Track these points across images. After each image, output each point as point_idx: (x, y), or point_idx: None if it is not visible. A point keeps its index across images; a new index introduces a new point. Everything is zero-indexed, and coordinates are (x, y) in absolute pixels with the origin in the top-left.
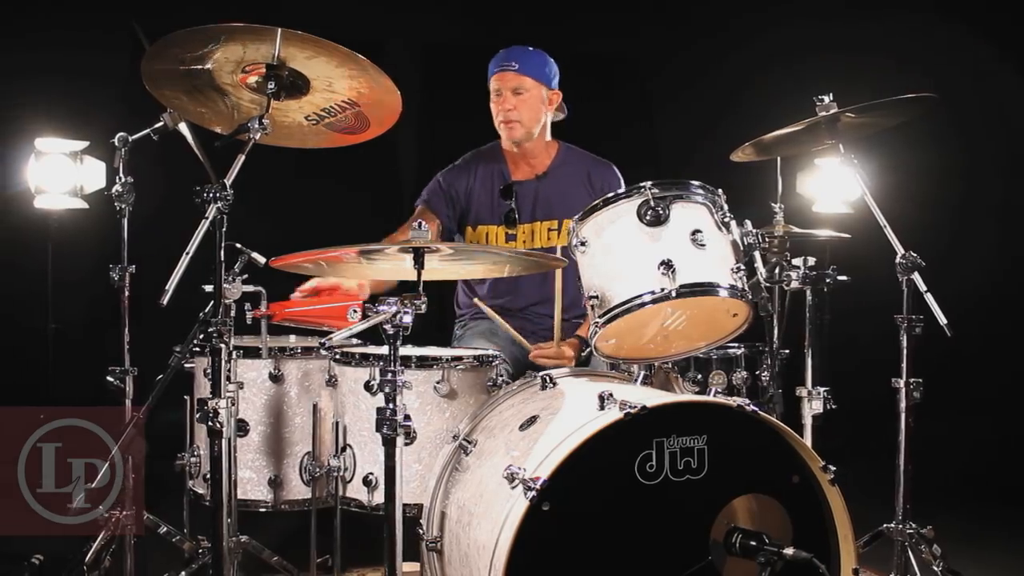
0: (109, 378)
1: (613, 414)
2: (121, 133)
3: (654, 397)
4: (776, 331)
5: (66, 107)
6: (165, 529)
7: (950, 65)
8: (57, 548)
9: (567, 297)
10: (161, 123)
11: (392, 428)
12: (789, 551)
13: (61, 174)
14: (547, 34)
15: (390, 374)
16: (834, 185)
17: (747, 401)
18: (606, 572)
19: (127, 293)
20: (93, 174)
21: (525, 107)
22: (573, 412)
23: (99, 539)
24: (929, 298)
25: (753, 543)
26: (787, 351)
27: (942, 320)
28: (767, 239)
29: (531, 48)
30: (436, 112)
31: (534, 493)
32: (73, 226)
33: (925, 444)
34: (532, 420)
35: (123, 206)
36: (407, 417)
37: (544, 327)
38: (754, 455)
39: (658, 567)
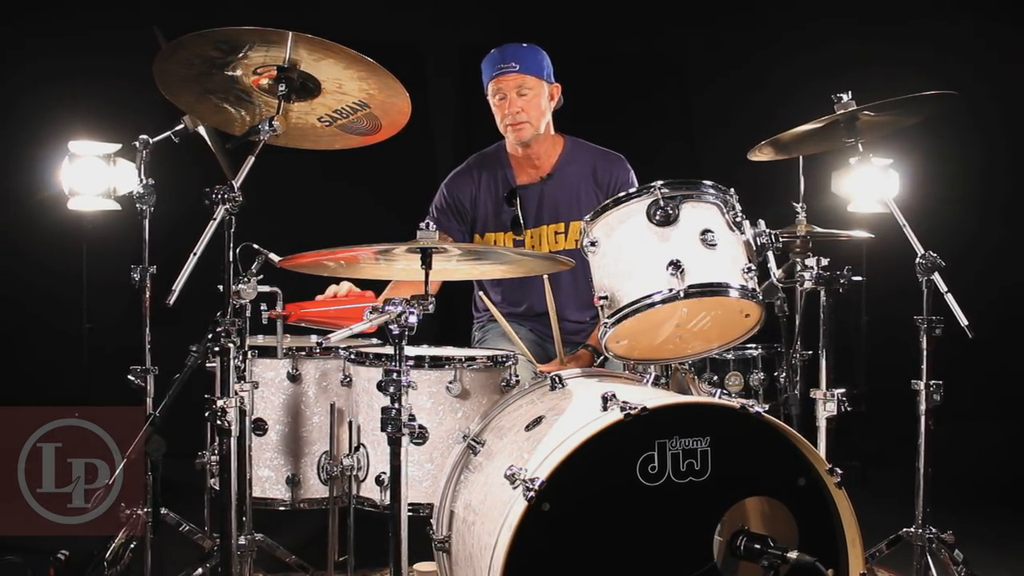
0: (130, 377)
1: (614, 415)
2: (142, 136)
3: (656, 398)
4: (796, 332)
5: (99, 110)
6: (186, 527)
7: (970, 63)
8: (82, 546)
9: (580, 299)
10: (181, 125)
11: (396, 428)
12: (793, 555)
13: (94, 176)
14: (579, 35)
15: (395, 374)
16: (869, 185)
17: (751, 402)
18: (607, 574)
19: (148, 293)
20: (126, 176)
21: (531, 106)
22: (576, 413)
23: (119, 536)
24: (950, 298)
25: (757, 546)
26: (809, 352)
27: (963, 321)
28: (781, 239)
29: (525, 44)
30: (472, 112)
31: (533, 493)
32: (106, 227)
33: (949, 447)
34: (537, 421)
35: (144, 207)
36: (412, 417)
37: (564, 331)
38: (759, 457)
39: (661, 569)
